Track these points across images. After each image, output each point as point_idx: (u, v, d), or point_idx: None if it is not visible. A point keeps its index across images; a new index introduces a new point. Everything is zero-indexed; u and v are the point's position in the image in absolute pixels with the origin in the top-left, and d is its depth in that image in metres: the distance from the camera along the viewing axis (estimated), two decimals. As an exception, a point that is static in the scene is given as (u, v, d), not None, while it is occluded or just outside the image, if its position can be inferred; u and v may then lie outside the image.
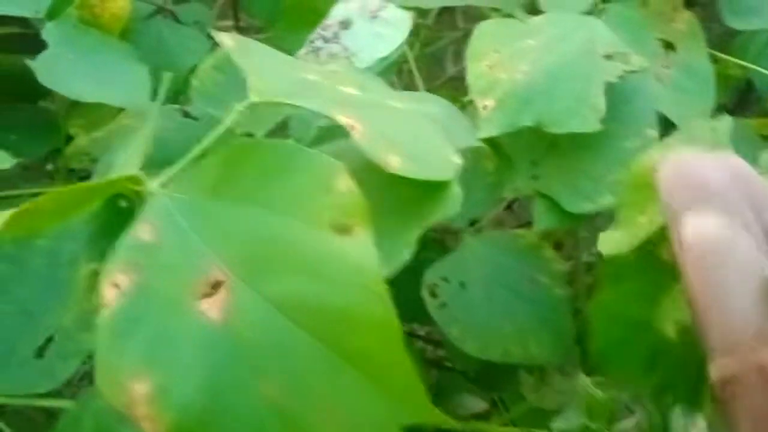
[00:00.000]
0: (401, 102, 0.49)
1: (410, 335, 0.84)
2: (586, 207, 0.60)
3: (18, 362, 0.53)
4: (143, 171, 0.39)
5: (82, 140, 0.80)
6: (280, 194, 0.34)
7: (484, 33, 0.65)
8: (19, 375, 0.52)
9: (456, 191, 0.40)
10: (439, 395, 0.79)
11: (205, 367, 0.32)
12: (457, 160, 0.44)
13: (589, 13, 0.68)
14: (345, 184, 0.34)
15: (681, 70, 0.68)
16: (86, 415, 0.49)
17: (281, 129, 0.67)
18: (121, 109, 0.78)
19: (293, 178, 0.35)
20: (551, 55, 0.62)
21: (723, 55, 0.76)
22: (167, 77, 0.80)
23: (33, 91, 0.88)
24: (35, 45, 0.88)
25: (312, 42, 0.69)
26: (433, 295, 0.62)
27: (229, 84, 0.76)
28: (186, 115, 0.57)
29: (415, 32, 0.74)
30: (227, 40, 0.47)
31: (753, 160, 0.61)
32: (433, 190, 0.41)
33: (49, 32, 0.65)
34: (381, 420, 0.31)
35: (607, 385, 0.56)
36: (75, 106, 0.79)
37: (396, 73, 0.86)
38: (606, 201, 0.60)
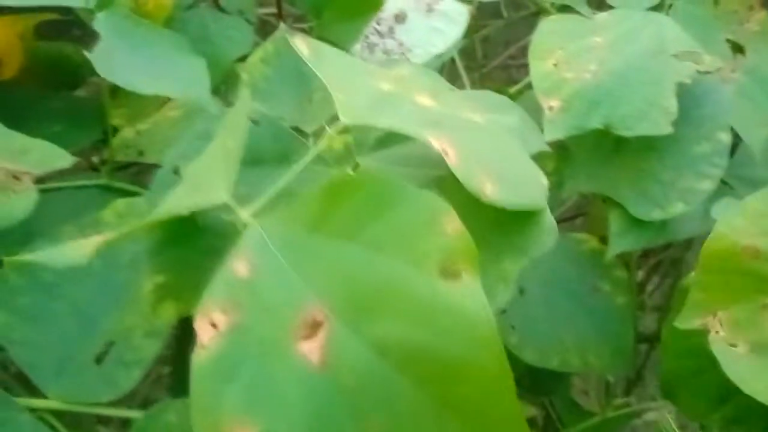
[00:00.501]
0: (477, 112, 0.47)
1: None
2: (656, 215, 0.58)
3: (76, 368, 0.51)
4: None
5: (127, 132, 0.79)
6: (383, 232, 0.33)
7: (547, 30, 0.62)
8: (78, 381, 0.51)
9: (550, 221, 0.39)
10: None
11: (305, 413, 0.31)
12: (545, 181, 0.43)
13: (657, 9, 0.65)
14: (452, 225, 0.32)
15: (748, 76, 0.65)
16: (156, 429, 0.48)
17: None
18: (165, 100, 0.77)
19: (397, 216, 0.33)
20: (620, 54, 0.59)
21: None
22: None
23: (72, 78, 0.87)
24: (73, 31, 0.86)
25: (367, 37, 0.67)
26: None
27: (277, 78, 0.75)
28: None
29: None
30: (302, 46, 0.46)
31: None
32: (525, 218, 0.39)
33: (100, 24, 0.63)
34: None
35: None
36: (116, 94, 0.78)
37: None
38: (677, 209, 0.58)
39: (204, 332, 0.32)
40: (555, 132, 0.57)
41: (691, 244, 0.85)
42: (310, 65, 0.43)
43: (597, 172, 0.62)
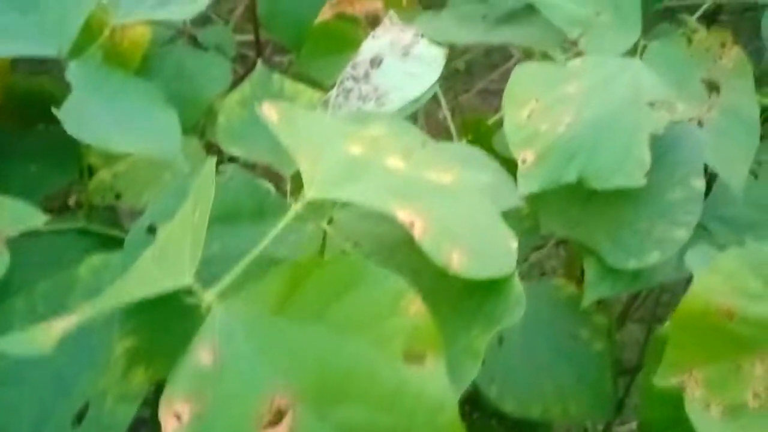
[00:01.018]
0: (448, 173, 0.47)
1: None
2: (631, 264, 0.58)
3: (52, 430, 0.51)
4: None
5: (104, 174, 0.78)
6: (347, 314, 0.33)
7: (521, 79, 0.62)
8: (56, 443, 0.51)
9: (518, 290, 0.39)
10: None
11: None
12: (514, 245, 0.43)
13: (632, 51, 0.66)
14: (415, 307, 0.32)
15: (724, 114, 0.65)
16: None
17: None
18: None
19: (360, 298, 0.33)
20: (594, 104, 0.60)
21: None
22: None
23: (50, 112, 0.86)
24: (50, 64, 0.86)
25: (342, 82, 0.67)
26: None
27: (254, 119, 0.74)
28: (219, 174, 0.54)
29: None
30: (271, 113, 0.45)
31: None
32: (494, 286, 0.39)
33: (72, 74, 0.63)
34: None
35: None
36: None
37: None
38: (652, 259, 0.58)
39: (168, 423, 0.32)
40: (529, 185, 0.57)
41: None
42: (279, 138, 0.42)
43: (572, 218, 0.62)
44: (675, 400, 0.48)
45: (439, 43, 0.68)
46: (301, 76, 0.86)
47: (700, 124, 0.65)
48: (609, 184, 0.57)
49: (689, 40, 0.68)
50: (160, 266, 0.38)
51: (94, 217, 0.78)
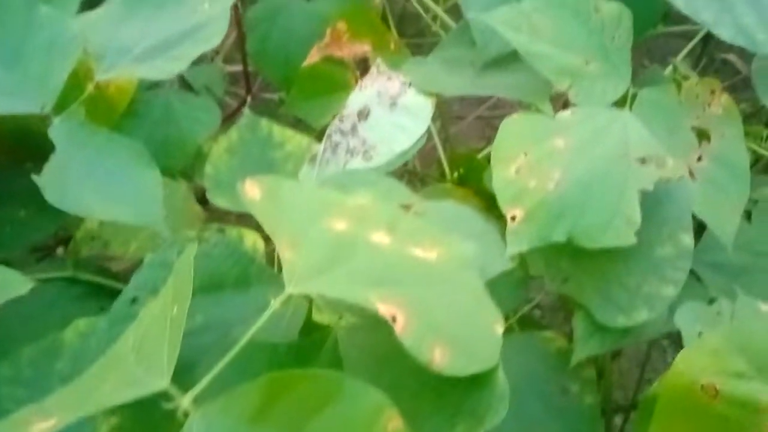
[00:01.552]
0: (432, 248, 0.47)
1: None
2: (620, 321, 0.58)
3: None
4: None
5: (91, 223, 0.78)
6: (324, 429, 0.32)
7: (509, 132, 0.62)
8: None
9: (502, 385, 0.38)
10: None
11: None
12: (499, 330, 0.42)
13: (623, 100, 0.65)
14: (393, 423, 0.32)
15: (715, 163, 0.65)
16: None
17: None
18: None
19: (338, 412, 0.32)
20: (583, 160, 0.59)
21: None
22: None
23: (39, 151, 0.86)
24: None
25: (330, 136, 0.66)
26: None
27: (242, 168, 0.74)
28: (202, 242, 0.54)
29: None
30: (253, 190, 0.45)
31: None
32: (478, 380, 0.39)
33: (55, 132, 0.63)
34: None
35: None
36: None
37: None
38: (641, 316, 0.57)
39: None
40: (518, 244, 0.56)
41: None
42: (260, 220, 0.42)
43: (561, 271, 0.61)
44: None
45: (427, 93, 0.68)
46: (291, 117, 0.86)
47: (690, 173, 0.64)
48: (598, 244, 0.57)
49: (679, 87, 0.67)
50: (139, 364, 0.38)
51: (82, 263, 0.78)
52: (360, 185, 0.58)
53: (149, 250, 0.74)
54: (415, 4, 0.94)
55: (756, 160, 0.86)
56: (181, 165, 0.81)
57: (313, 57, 0.79)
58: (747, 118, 0.91)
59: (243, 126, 0.74)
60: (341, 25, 0.78)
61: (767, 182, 0.75)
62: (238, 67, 1.04)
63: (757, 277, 0.71)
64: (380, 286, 0.40)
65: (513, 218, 0.58)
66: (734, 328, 0.45)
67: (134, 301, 0.52)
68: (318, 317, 0.52)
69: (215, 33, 0.65)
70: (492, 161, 0.61)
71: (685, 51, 0.91)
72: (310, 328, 0.51)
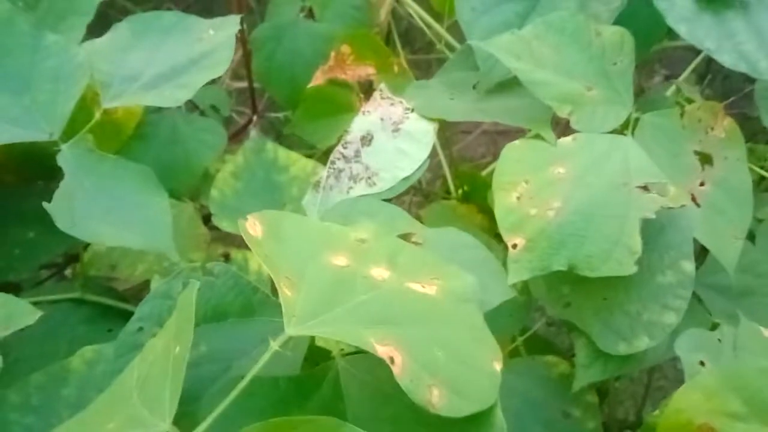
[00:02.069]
0: (432, 282, 0.47)
1: None
2: (621, 348, 0.58)
3: None
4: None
5: (99, 245, 0.79)
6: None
7: (511, 158, 0.62)
8: None
9: (501, 424, 0.39)
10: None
11: None
12: (498, 367, 0.43)
13: (625, 125, 0.65)
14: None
15: (717, 187, 0.65)
16: None
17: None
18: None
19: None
20: (583, 188, 0.59)
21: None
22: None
23: (47, 170, 0.87)
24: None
25: (333, 162, 0.67)
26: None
27: (247, 191, 0.75)
28: (206, 272, 0.54)
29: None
30: (254, 227, 0.46)
31: None
32: (474, 418, 0.39)
33: (64, 159, 0.63)
34: None
35: None
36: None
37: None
38: (642, 344, 0.58)
39: None
40: (519, 274, 0.57)
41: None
42: (259, 258, 0.43)
43: (563, 297, 0.62)
44: None
45: (429, 118, 0.68)
46: (294, 138, 0.87)
47: (692, 198, 0.64)
48: (599, 273, 0.57)
49: (682, 112, 0.67)
50: (143, 404, 0.39)
51: (90, 284, 0.78)
52: (362, 215, 0.59)
53: (156, 273, 0.75)
54: (419, 21, 0.95)
55: (761, 179, 0.86)
56: (188, 186, 0.82)
57: (317, 80, 0.80)
58: (754, 135, 0.90)
59: (248, 149, 0.74)
60: (345, 48, 0.79)
61: (771, 202, 0.76)
62: (245, 83, 1.05)
63: (760, 299, 0.71)
64: (378, 325, 0.41)
65: (514, 246, 0.58)
66: (730, 368, 0.45)
67: (140, 330, 0.52)
68: (322, 342, 0.53)
69: (221, 61, 0.66)
70: (493, 187, 0.61)
71: (690, 68, 0.91)
72: (313, 353, 0.52)
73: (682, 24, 0.65)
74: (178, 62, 0.67)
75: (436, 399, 0.38)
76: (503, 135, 0.78)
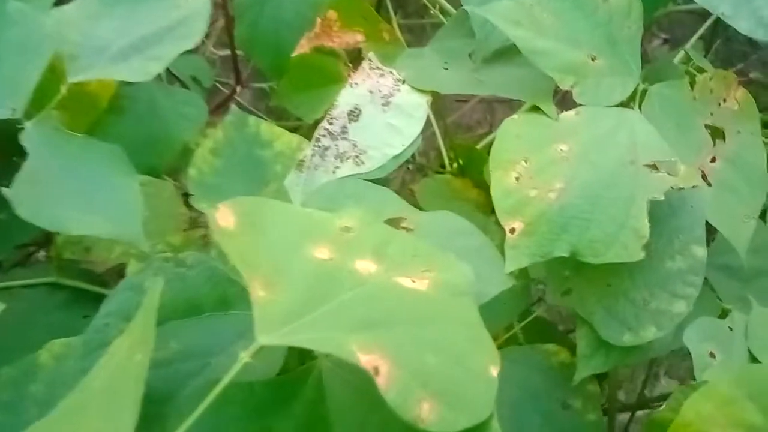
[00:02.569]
0: (424, 275, 0.43)
1: None
2: (626, 339, 0.55)
3: None
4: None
5: (72, 227, 0.75)
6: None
7: (510, 135, 0.58)
8: None
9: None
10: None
11: None
12: (495, 372, 0.39)
13: (632, 97, 0.61)
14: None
15: (729, 164, 0.61)
16: None
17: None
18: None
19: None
20: (588, 167, 0.55)
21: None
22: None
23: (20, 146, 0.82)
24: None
25: (318, 140, 0.62)
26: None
27: (228, 169, 0.70)
28: (178, 263, 0.50)
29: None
30: (228, 219, 0.41)
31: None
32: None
33: (28, 137, 0.59)
34: None
35: None
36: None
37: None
38: (648, 334, 0.54)
39: None
40: (517, 260, 0.53)
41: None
42: (229, 257, 0.39)
43: (564, 281, 0.58)
44: None
45: (422, 90, 0.64)
46: (281, 110, 0.82)
47: (703, 175, 0.60)
48: (604, 259, 0.53)
49: (692, 83, 0.63)
50: (104, 419, 0.35)
51: (65, 267, 0.74)
52: (349, 198, 0.54)
53: (133, 257, 0.71)
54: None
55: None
56: (167, 163, 0.77)
57: (302, 47, 0.75)
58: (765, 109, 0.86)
59: (229, 124, 0.69)
60: (331, 14, 0.73)
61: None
62: (227, 51, 0.99)
63: (773, 282, 0.67)
64: (363, 329, 0.37)
65: (512, 231, 0.54)
66: (743, 370, 0.41)
67: (107, 326, 0.49)
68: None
69: (196, 30, 0.61)
70: (490, 167, 0.57)
71: (697, 34, 0.86)
72: (295, 348, 0.48)
73: (696, -12, 0.60)
74: (150, 31, 0.62)
75: (426, 413, 0.34)
76: (501, 102, 0.74)
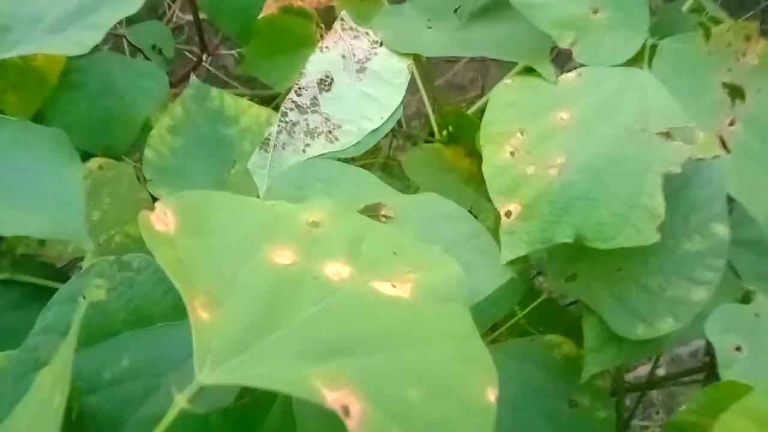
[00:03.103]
0: (405, 279, 0.37)
1: None
2: (640, 331, 0.48)
3: None
4: None
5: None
6: None
7: (502, 102, 0.51)
8: None
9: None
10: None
11: None
12: (492, 397, 0.33)
13: (639, 55, 0.53)
14: None
15: (749, 127, 0.54)
16: None
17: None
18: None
19: None
20: (592, 138, 0.48)
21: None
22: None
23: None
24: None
25: (285, 114, 0.55)
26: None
27: (189, 148, 0.63)
28: (122, 266, 0.44)
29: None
30: (166, 222, 0.35)
31: None
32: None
33: (-45, 124, 0.52)
34: None
35: None
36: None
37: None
38: (665, 326, 0.48)
39: None
40: (515, 248, 0.46)
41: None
42: (165, 269, 0.32)
43: (569, 266, 0.52)
44: None
45: (402, 53, 0.56)
46: (250, 79, 0.74)
47: (721, 141, 0.53)
48: (613, 243, 0.46)
49: (707, 36, 0.55)
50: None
51: (21, 262, 0.68)
52: (319, 182, 0.48)
53: (89, 250, 0.64)
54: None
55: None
56: (126, 143, 0.70)
57: (269, 7, 0.67)
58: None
59: (188, 98, 0.62)
60: (300, -31, 0.65)
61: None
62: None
63: (796, 256, 0.61)
64: (329, 357, 0.30)
65: (508, 214, 0.47)
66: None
67: (43, 343, 0.42)
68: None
69: (138, -7, 0.53)
70: (482, 140, 0.50)
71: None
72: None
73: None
74: (88, -3, 0.54)
75: (407, 460, 0.28)
76: (496, 60, 0.66)
